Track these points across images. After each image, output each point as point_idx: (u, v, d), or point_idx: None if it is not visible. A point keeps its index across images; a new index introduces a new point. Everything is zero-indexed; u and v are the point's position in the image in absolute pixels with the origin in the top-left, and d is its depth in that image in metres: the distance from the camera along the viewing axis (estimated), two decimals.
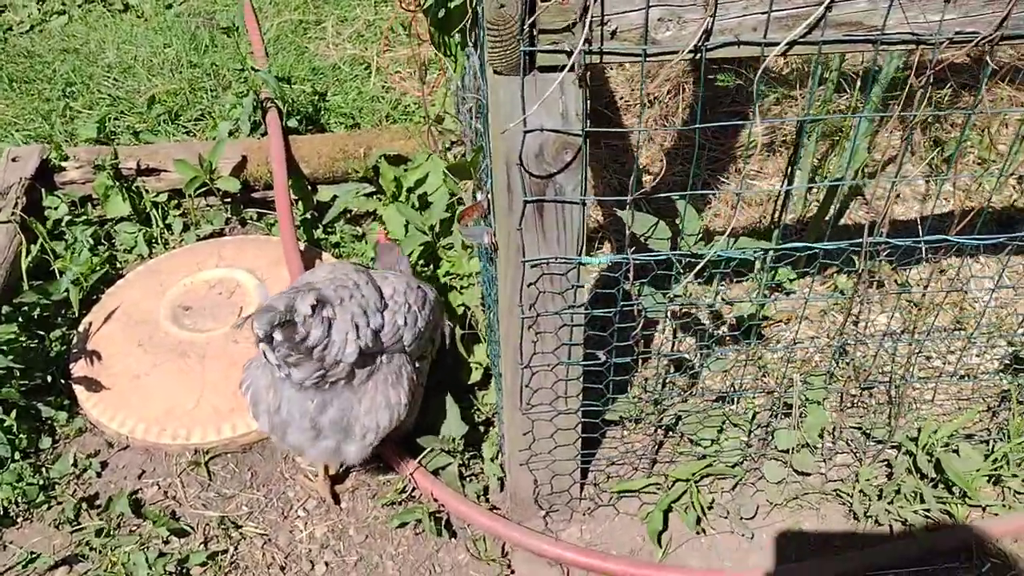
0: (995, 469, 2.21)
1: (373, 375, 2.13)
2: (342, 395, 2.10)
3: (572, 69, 1.47)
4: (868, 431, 2.29)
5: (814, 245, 1.77)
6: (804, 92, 3.48)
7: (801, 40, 1.49)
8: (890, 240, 1.79)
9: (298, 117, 3.67)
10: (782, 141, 3.45)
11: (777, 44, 1.48)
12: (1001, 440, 2.26)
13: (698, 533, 2.26)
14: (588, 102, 1.54)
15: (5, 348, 2.48)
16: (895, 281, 2.84)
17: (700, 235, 1.93)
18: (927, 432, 2.18)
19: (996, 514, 2.23)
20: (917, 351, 2.45)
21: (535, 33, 1.43)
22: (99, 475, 2.46)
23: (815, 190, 3.03)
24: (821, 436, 2.20)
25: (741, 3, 1.44)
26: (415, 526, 2.33)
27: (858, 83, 2.93)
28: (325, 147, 3.35)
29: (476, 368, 2.59)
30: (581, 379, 2.01)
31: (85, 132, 3.63)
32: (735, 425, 2.29)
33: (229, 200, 3.33)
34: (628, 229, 1.73)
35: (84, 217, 3.22)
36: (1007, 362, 2.55)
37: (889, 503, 2.18)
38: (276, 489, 2.44)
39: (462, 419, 2.39)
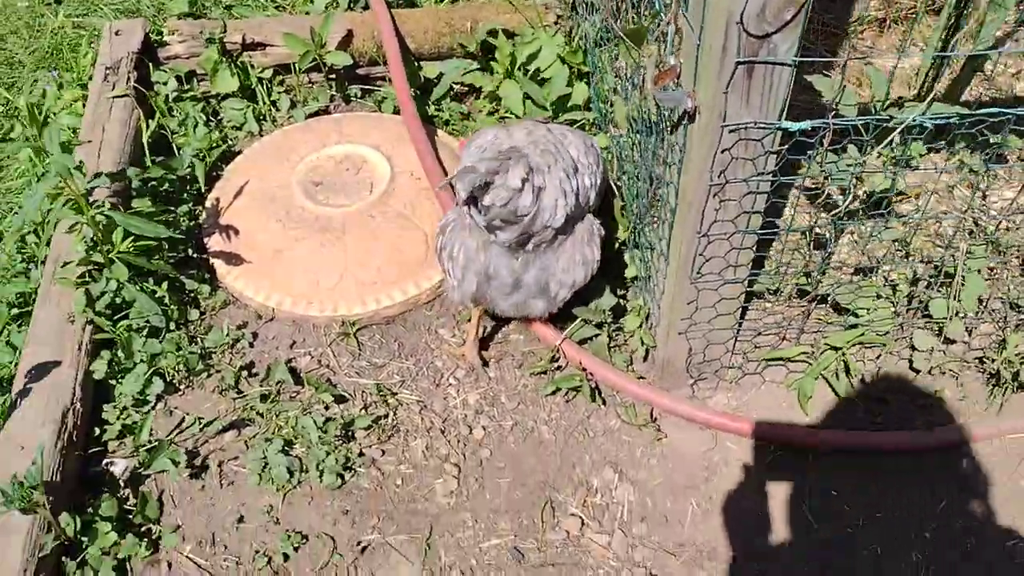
0: None
1: (570, 234, 2.21)
2: (544, 254, 2.20)
3: None
4: (1014, 301, 2.33)
5: (1008, 111, 1.76)
6: None
7: None
8: None
9: None
10: (894, 18, 3.37)
11: None
12: None
13: (839, 400, 2.34)
14: None
15: (149, 219, 2.50)
16: (1020, 157, 2.83)
17: (887, 100, 1.92)
18: None
19: None
20: None
21: None
22: (251, 345, 2.53)
23: (931, 66, 2.98)
24: (981, 305, 2.24)
25: None
26: (566, 393, 2.40)
27: None
28: (430, 21, 3.28)
29: (614, 241, 2.61)
30: (753, 249, 2.03)
31: (177, 6, 3.55)
32: (883, 297, 2.33)
33: (334, 76, 3.29)
34: (834, 94, 1.72)
35: (191, 92, 3.20)
36: None
37: None
38: (424, 359, 2.51)
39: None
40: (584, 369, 2.38)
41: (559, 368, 2.46)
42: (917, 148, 2.72)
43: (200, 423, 2.33)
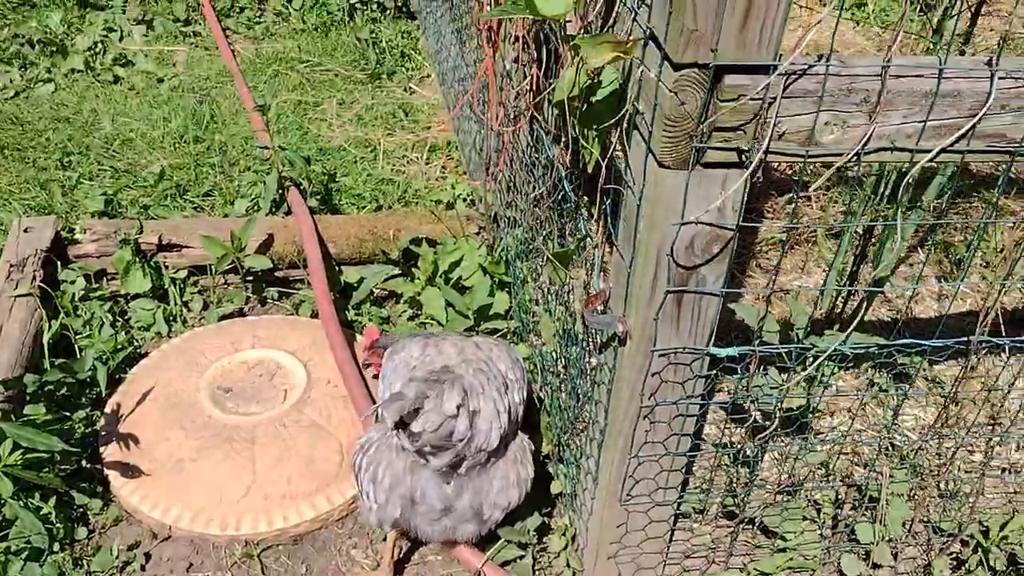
0: None
1: (503, 454, 2.14)
2: (478, 477, 2.11)
3: (742, 166, 1.51)
4: (936, 524, 2.34)
5: (922, 342, 1.83)
6: (819, 194, 3.65)
7: (949, 149, 1.58)
8: (992, 339, 1.86)
9: (316, 197, 3.63)
10: (797, 241, 3.58)
11: (926, 151, 1.57)
12: None
13: None
14: (746, 197, 1.59)
15: (43, 429, 2.32)
16: (924, 377, 2.94)
17: (808, 328, 1.98)
18: (996, 526, 2.23)
19: None
20: (960, 444, 2.53)
21: (708, 131, 1.48)
22: (143, 568, 2.30)
23: (836, 288, 3.14)
24: (905, 528, 2.24)
25: (901, 111, 1.51)
26: None
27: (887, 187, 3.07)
28: (352, 228, 3.31)
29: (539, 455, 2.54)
30: (683, 470, 2.00)
31: (92, 204, 3.51)
32: (809, 519, 2.30)
33: (251, 278, 3.25)
34: (758, 322, 1.76)
35: (99, 292, 3.09)
36: None
37: None
38: None
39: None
40: None
41: None
42: (831, 369, 2.82)
43: None
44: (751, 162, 1.49)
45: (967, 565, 2.26)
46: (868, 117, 1.50)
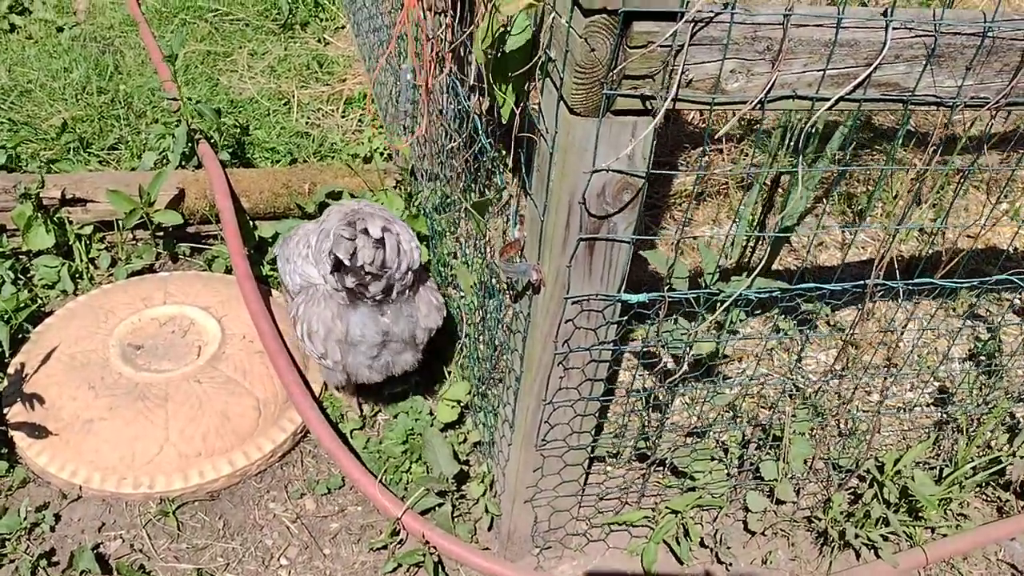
0: (947, 493, 2.42)
1: (420, 284, 2.43)
2: (407, 304, 2.38)
3: (651, 113, 1.54)
4: (835, 461, 2.46)
5: (823, 286, 1.91)
6: (730, 147, 3.73)
7: (847, 97, 1.63)
8: (887, 282, 1.94)
9: (228, 150, 3.54)
10: (709, 192, 3.66)
11: (826, 99, 1.62)
12: (947, 466, 2.48)
13: (682, 564, 2.34)
14: (655, 144, 1.62)
15: None
16: (827, 322, 3.07)
17: (716, 275, 2.04)
18: (890, 461, 2.36)
19: (945, 535, 2.45)
20: (858, 385, 2.66)
21: (617, 78, 1.50)
22: (53, 529, 2.25)
23: (746, 237, 3.24)
24: (806, 465, 2.34)
25: (802, 60, 1.56)
26: (407, 570, 2.28)
27: (797, 139, 3.16)
28: (266, 181, 3.25)
29: (453, 407, 2.57)
30: (596, 415, 2.05)
31: None
32: (717, 459, 2.39)
33: (162, 234, 3.16)
34: (667, 268, 1.81)
35: (0, 249, 2.97)
36: (936, 396, 2.81)
37: (860, 527, 2.34)
38: (252, 537, 2.32)
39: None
40: (427, 543, 2.27)
41: (400, 542, 2.34)
42: (738, 315, 2.91)
43: None
44: (659, 110, 1.52)
45: (863, 498, 2.38)
46: (771, 65, 1.54)
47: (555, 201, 1.66)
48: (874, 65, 1.58)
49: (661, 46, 1.46)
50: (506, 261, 1.81)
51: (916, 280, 1.93)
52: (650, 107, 1.54)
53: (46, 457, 2.35)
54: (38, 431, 2.39)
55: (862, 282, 1.92)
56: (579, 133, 1.55)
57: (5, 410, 2.46)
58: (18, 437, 2.40)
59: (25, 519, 2.23)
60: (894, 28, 1.56)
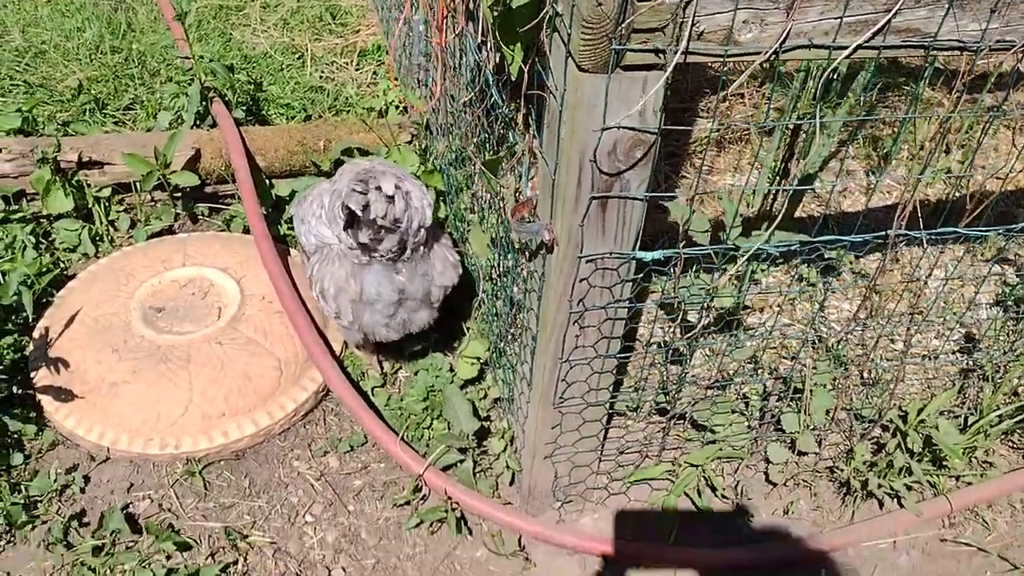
0: (971, 441, 2.39)
1: (433, 241, 2.42)
2: (421, 262, 2.38)
3: (661, 68, 1.50)
4: (857, 412, 2.44)
5: (843, 237, 1.87)
6: (751, 92, 3.65)
7: (865, 44, 1.58)
8: (909, 232, 1.90)
9: (242, 108, 3.52)
10: (730, 139, 3.59)
11: (843, 48, 1.56)
12: (972, 414, 2.46)
13: (704, 514, 2.35)
14: (670, 93, 1.58)
15: None
16: (852, 270, 3.02)
17: (738, 227, 2.00)
18: (914, 411, 2.34)
19: (969, 483, 2.43)
20: (882, 334, 2.63)
21: (626, 32, 1.45)
22: (83, 491, 2.30)
23: (768, 190, 3.18)
24: (828, 417, 2.33)
25: (818, 7, 1.50)
26: (430, 525, 2.30)
27: (817, 85, 3.08)
28: (281, 139, 3.23)
29: (473, 364, 2.58)
30: (614, 371, 2.04)
31: (7, 122, 3.33)
32: (738, 411, 2.39)
33: (179, 195, 3.17)
34: (682, 222, 1.78)
35: (20, 213, 2.99)
36: (962, 343, 2.77)
37: (883, 477, 2.33)
38: (277, 495, 2.36)
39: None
40: (450, 498, 2.30)
41: (423, 498, 2.37)
42: (758, 265, 2.87)
43: None
44: (669, 64, 1.48)
45: (886, 448, 2.37)
46: (785, 14, 1.49)
47: (566, 159, 1.63)
48: (893, 11, 1.52)
49: None
50: (518, 221, 1.79)
51: (940, 230, 1.89)
52: (661, 60, 1.50)
53: (73, 420, 2.39)
54: (65, 394, 2.43)
55: (883, 233, 1.88)
56: (588, 90, 1.51)
57: (32, 374, 2.50)
58: (45, 401, 2.44)
59: (55, 481, 2.28)
60: None
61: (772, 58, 1.54)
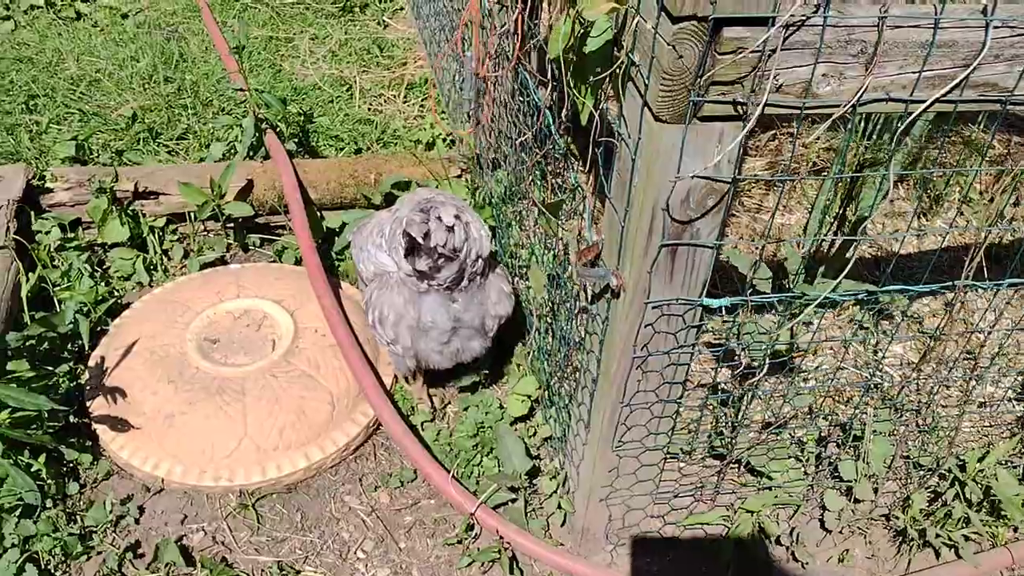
0: None
1: (490, 272, 2.45)
2: (478, 292, 2.41)
3: (738, 119, 1.50)
4: (915, 460, 2.40)
5: (910, 287, 1.85)
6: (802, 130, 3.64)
7: (943, 99, 1.57)
8: (977, 283, 1.88)
9: (294, 140, 3.57)
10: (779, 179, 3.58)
11: (920, 102, 1.56)
12: None
13: (758, 561, 2.32)
14: (743, 150, 1.58)
15: (29, 386, 2.30)
16: (902, 312, 3.00)
17: (801, 275, 1.99)
18: (972, 460, 2.30)
19: None
20: (936, 379, 2.59)
21: (705, 84, 1.46)
22: (137, 522, 2.32)
23: (820, 226, 3.16)
24: (888, 467, 2.30)
25: (897, 62, 1.50)
26: (482, 565, 2.29)
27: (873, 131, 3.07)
28: (333, 172, 3.27)
29: (523, 401, 2.57)
30: (674, 416, 2.03)
31: (62, 150, 3.42)
32: (793, 457, 2.36)
33: (232, 225, 3.21)
34: (750, 273, 1.77)
35: (76, 242, 3.04)
36: (1018, 390, 2.73)
37: (940, 527, 2.30)
38: (329, 530, 2.36)
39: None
40: (502, 538, 2.29)
41: (475, 537, 2.36)
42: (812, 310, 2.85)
43: None
44: (749, 116, 1.48)
45: (944, 497, 2.33)
46: (864, 68, 1.49)
47: (637, 207, 1.63)
48: (972, 66, 1.52)
49: (752, 52, 1.41)
50: (584, 266, 1.80)
51: (1009, 280, 1.87)
52: (739, 112, 1.50)
53: (129, 450, 2.41)
54: (120, 424, 2.45)
55: (951, 283, 1.87)
56: (664, 140, 1.52)
57: (88, 403, 2.52)
58: (101, 430, 2.46)
59: (111, 511, 2.30)
60: (995, 27, 1.49)
61: (848, 111, 1.54)
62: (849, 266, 1.75)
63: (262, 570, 2.24)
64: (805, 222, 3.28)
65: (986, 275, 1.98)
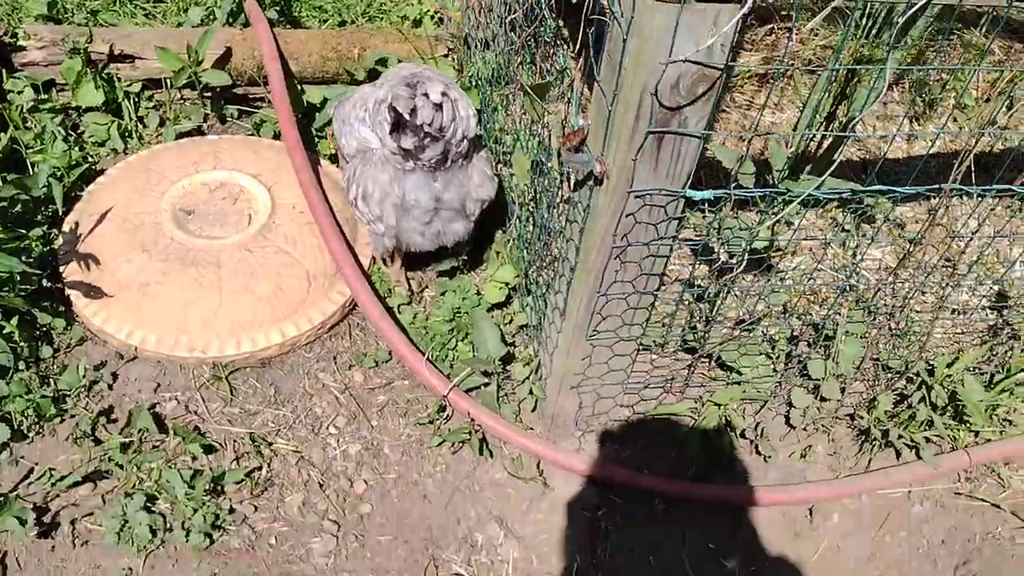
0: (995, 399, 2.40)
1: (474, 153, 2.39)
2: (460, 172, 2.36)
3: (735, 1, 1.44)
4: (885, 363, 2.43)
5: (896, 189, 1.83)
6: (798, 26, 3.54)
7: None
8: (963, 188, 1.86)
9: (275, 8, 3.43)
10: (772, 75, 3.50)
11: None
12: (999, 372, 2.45)
13: (721, 454, 2.38)
14: (737, 35, 1.52)
15: (1, 248, 2.26)
16: (884, 216, 2.98)
17: (785, 172, 1.96)
18: (941, 365, 2.33)
19: (988, 440, 2.45)
20: (916, 288, 2.60)
21: None
22: (111, 388, 2.33)
23: (809, 125, 3.11)
24: (857, 368, 2.33)
25: None
26: (452, 445, 2.33)
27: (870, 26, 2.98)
28: (315, 44, 3.15)
29: (501, 288, 2.57)
30: (650, 308, 2.03)
31: (35, 7, 3.27)
32: (765, 355, 2.39)
33: (209, 95, 3.11)
34: (735, 167, 1.74)
35: (49, 103, 2.94)
36: (993, 299, 2.75)
37: (904, 428, 2.35)
38: (302, 405, 2.38)
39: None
40: (473, 421, 2.32)
41: (447, 418, 2.39)
42: (795, 208, 2.83)
43: (51, 475, 2.11)
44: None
45: (910, 400, 2.37)
46: None
47: (625, 91, 1.58)
48: None
49: None
50: (569, 151, 1.75)
51: (995, 187, 1.85)
52: None
53: (102, 317, 2.40)
54: (94, 291, 2.43)
55: (937, 187, 1.84)
56: (658, 20, 1.46)
57: (61, 269, 2.49)
58: (75, 296, 2.44)
59: (84, 376, 2.30)
60: None
61: None
62: (834, 165, 1.73)
63: (234, 440, 2.27)
64: (796, 120, 3.22)
65: (974, 181, 1.95)
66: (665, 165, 1.70)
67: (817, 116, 2.97)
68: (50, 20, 3.28)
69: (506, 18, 2.49)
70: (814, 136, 2.85)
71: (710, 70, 1.54)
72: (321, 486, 2.22)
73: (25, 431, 2.19)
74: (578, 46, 1.77)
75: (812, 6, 3.62)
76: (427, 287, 2.72)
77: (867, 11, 2.67)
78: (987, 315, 2.72)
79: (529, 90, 1.95)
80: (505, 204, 2.73)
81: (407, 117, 2.16)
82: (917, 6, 1.49)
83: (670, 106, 1.59)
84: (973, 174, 2.06)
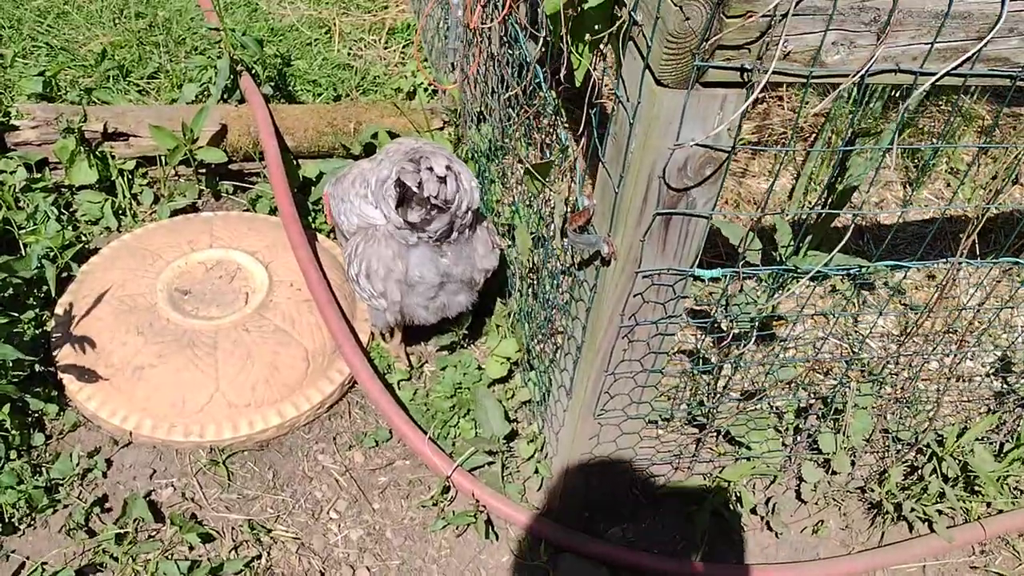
0: (1006, 470, 2.36)
1: (477, 224, 2.39)
2: (466, 245, 2.36)
3: (742, 86, 1.44)
4: (895, 435, 2.40)
5: (905, 263, 1.82)
6: (791, 95, 3.59)
7: (953, 72, 1.52)
8: (971, 260, 1.86)
9: (270, 84, 3.44)
10: (770, 141, 3.53)
11: (930, 74, 1.51)
12: (1008, 441, 2.42)
13: (733, 531, 2.32)
14: (743, 118, 1.52)
15: None
16: (884, 282, 2.98)
17: (790, 247, 1.95)
18: (951, 436, 2.30)
19: (1000, 511, 2.40)
20: (922, 355, 2.58)
21: (711, 49, 1.39)
22: (105, 475, 2.26)
23: (805, 193, 3.12)
24: (867, 441, 2.29)
25: (909, 32, 1.44)
26: (456, 528, 2.27)
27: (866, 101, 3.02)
28: (311, 119, 3.16)
29: (503, 363, 2.53)
30: (658, 386, 2.00)
31: (29, 86, 3.27)
32: (774, 428, 2.35)
33: (204, 172, 3.10)
34: (742, 245, 1.73)
35: (42, 183, 2.92)
36: (997, 366, 2.74)
37: (916, 501, 2.30)
38: (301, 489, 2.32)
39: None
40: (478, 502, 2.26)
41: (451, 499, 2.33)
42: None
43: (43, 570, 2.03)
44: (754, 83, 1.42)
45: (921, 472, 2.34)
46: (876, 37, 1.43)
47: (633, 173, 1.57)
48: (986, 39, 1.46)
49: (762, 16, 1.35)
50: (575, 231, 1.74)
51: (1006, 258, 1.84)
52: (744, 79, 1.44)
53: (96, 402, 2.35)
54: (88, 375, 2.38)
55: (946, 260, 1.84)
56: (665, 105, 1.45)
57: (54, 352, 2.44)
58: (68, 380, 2.39)
59: (77, 464, 2.24)
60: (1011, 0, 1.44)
61: (860, 80, 1.49)
62: (843, 242, 1.72)
63: (233, 528, 2.20)
64: (791, 187, 3.24)
65: (978, 251, 1.95)
66: (673, 245, 1.69)
67: (812, 184, 2.99)
68: (43, 99, 3.28)
69: (504, 94, 2.51)
70: (813, 207, 2.86)
71: (717, 152, 1.54)
72: (323, 574, 2.15)
73: (16, 523, 2.11)
74: (581, 127, 1.76)
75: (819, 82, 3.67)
76: (427, 362, 2.68)
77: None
78: (992, 382, 2.70)
79: (531, 168, 1.95)
80: (505, 277, 2.71)
81: (414, 190, 2.16)
82: (923, 88, 1.50)
83: (678, 188, 1.58)
84: (976, 245, 2.06)
